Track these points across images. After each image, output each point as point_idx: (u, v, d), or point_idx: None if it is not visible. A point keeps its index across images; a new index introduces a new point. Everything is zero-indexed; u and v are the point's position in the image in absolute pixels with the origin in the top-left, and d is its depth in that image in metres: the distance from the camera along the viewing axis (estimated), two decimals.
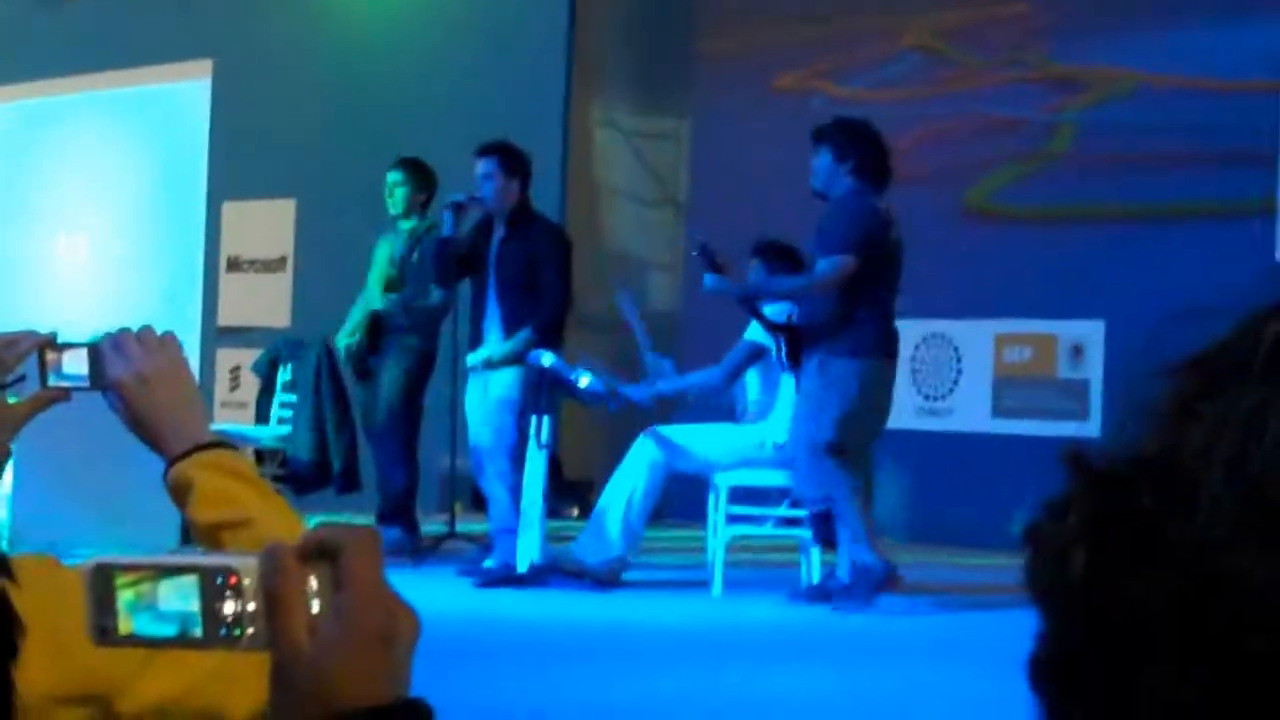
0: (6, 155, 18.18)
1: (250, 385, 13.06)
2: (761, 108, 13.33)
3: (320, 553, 1.14)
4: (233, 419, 13.86)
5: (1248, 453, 0.80)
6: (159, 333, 2.35)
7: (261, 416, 12.05)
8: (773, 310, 9.02)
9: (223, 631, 1.13)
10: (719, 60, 13.78)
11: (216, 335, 15.89)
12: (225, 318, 15.97)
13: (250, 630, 1.13)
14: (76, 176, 17.42)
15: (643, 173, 14.45)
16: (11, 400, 2.43)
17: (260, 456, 11.91)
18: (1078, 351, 11.65)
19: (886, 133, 11.80)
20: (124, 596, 1.14)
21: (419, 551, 10.45)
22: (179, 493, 2.20)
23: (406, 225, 11.04)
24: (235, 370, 15.30)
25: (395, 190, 11.04)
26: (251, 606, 1.13)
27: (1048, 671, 0.86)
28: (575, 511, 12.73)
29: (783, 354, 8.91)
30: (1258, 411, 0.81)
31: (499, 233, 10.06)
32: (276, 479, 11.51)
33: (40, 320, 16.32)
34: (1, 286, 17.55)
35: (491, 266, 10.02)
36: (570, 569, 9.36)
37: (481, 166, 10.07)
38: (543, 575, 9.33)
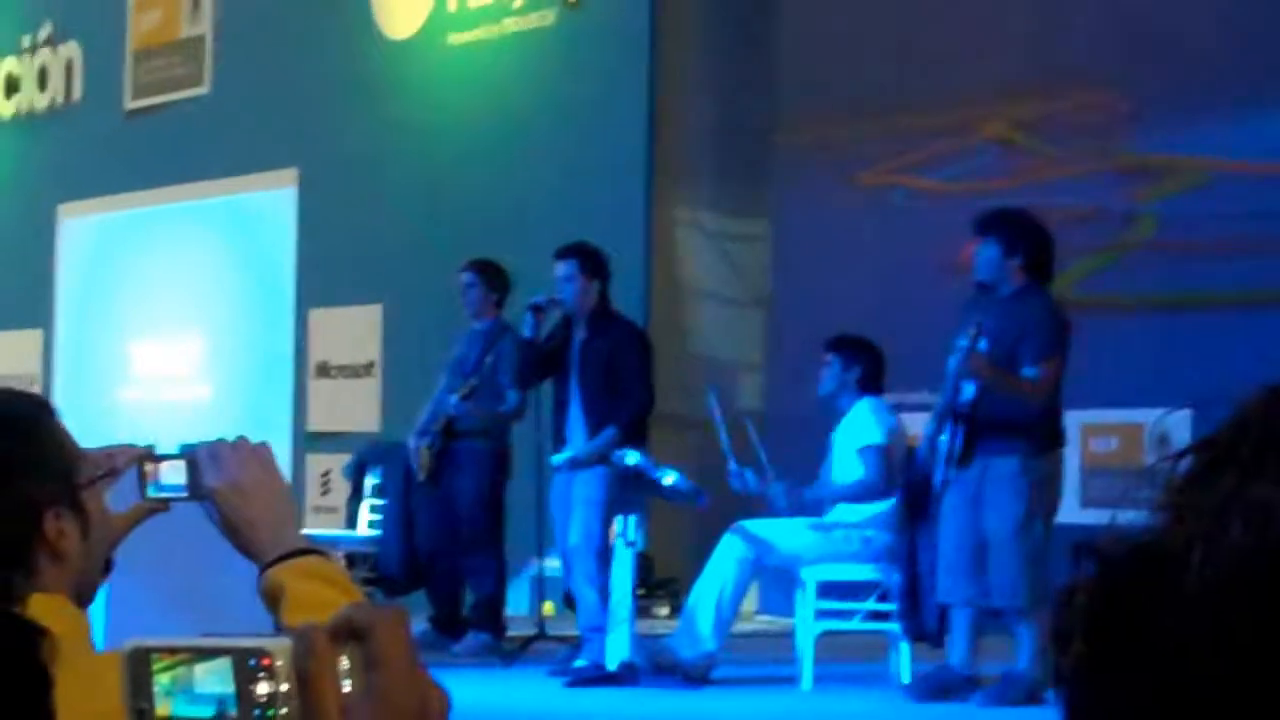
0: (97, 267, 18.41)
1: (341, 490, 13.13)
2: (843, 203, 13.37)
3: (351, 633, 1.17)
4: (324, 524, 13.93)
5: (1225, 541, 0.83)
6: (252, 442, 2.41)
7: (351, 521, 12.11)
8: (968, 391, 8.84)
9: (256, 712, 1.15)
10: (800, 157, 13.83)
11: (306, 440, 16.00)
12: (315, 423, 16.08)
13: (284, 711, 1.15)
14: (166, 287, 17.60)
15: (726, 271, 14.49)
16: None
17: (351, 561, 11.98)
18: (1164, 441, 11.57)
19: (966, 225, 11.81)
20: (161, 679, 1.16)
21: (508, 654, 10.46)
22: (272, 598, 2.25)
23: (480, 327, 11.11)
24: (326, 475, 15.40)
25: (468, 291, 11.12)
26: (285, 687, 1.15)
27: None
28: (666, 610, 12.72)
29: (957, 446, 8.75)
30: (1244, 498, 0.84)
31: (580, 334, 10.12)
32: (367, 582, 11.57)
33: (136, 431, 16.56)
34: (96, 398, 17.73)
35: (574, 367, 10.08)
36: (663, 662, 9.35)
37: (561, 269, 10.15)
38: (633, 673, 9.33)
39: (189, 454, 2.44)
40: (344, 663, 1.17)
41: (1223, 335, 11.22)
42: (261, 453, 2.38)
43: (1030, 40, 12.62)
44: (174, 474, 2.46)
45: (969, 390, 8.74)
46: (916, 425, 10.34)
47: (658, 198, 14.30)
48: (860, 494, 9.48)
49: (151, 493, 2.48)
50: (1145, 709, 0.82)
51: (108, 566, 2.48)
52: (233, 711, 1.16)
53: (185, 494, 2.44)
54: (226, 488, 2.34)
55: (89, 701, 1.80)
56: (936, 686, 8.78)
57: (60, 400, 14.37)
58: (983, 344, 8.69)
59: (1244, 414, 0.87)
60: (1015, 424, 8.59)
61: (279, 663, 1.16)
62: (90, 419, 16.73)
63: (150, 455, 2.50)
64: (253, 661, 1.16)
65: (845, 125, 13.49)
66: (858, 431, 9.60)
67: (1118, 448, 11.83)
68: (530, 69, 14.95)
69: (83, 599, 2.42)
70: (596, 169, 14.12)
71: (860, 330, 9.93)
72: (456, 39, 15.60)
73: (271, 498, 2.33)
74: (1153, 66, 11.95)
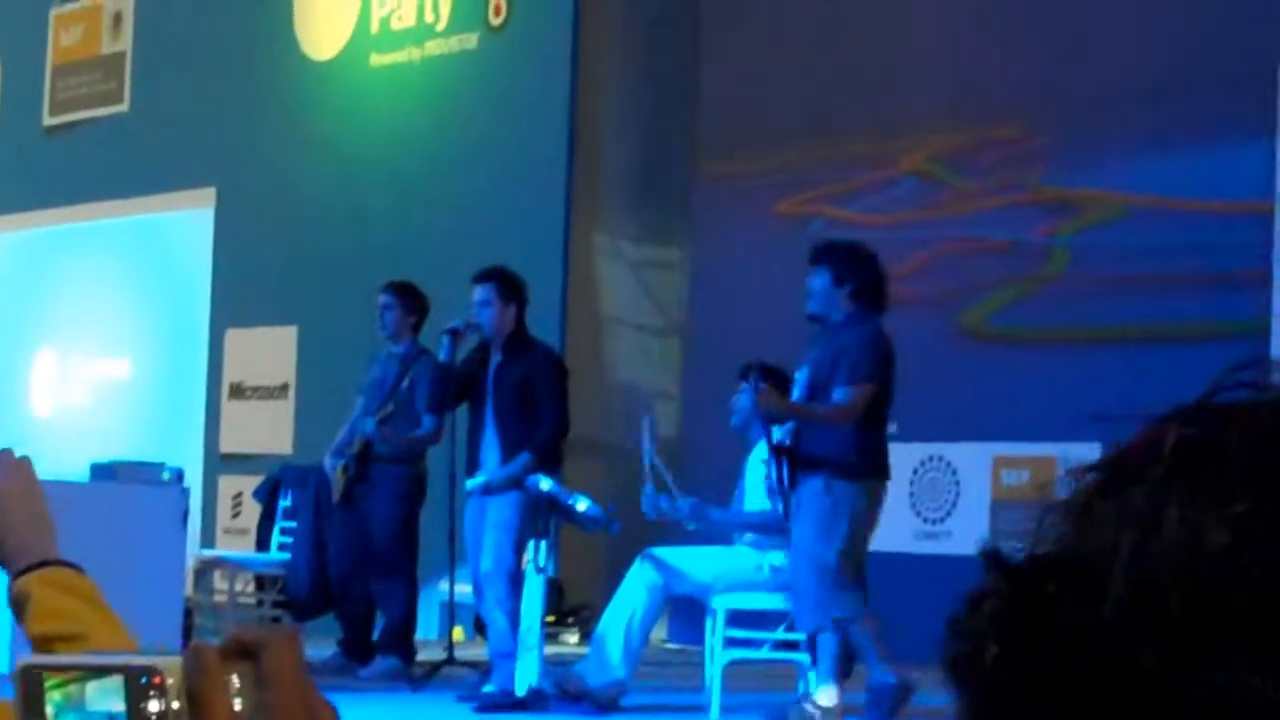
0: (10, 285, 18.29)
1: (252, 512, 13.08)
2: (761, 233, 13.41)
3: (242, 652, 1.18)
4: (235, 546, 13.88)
5: (1145, 549, 0.85)
6: (15, 455, 2.46)
7: (262, 543, 12.06)
8: (778, 433, 9.00)
9: None
10: (719, 186, 13.88)
11: (220, 462, 15.93)
12: (228, 445, 16.01)
13: None
14: (79, 305, 17.51)
15: (644, 299, 14.51)
16: None
17: (261, 583, 11.93)
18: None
19: (885, 256, 11.85)
20: (52, 698, 1.16)
21: (417, 678, 10.43)
22: (18, 606, 2.30)
23: (397, 349, 11.10)
24: (238, 497, 15.33)
25: (385, 313, 11.11)
26: (176, 705, 1.15)
27: None
28: (575, 637, 12.72)
29: (783, 475, 8.86)
30: (1156, 511, 0.85)
31: (495, 358, 10.12)
32: (277, 605, 11.52)
33: (45, 448, 16.30)
34: (6, 413, 17.59)
35: (489, 392, 10.07)
36: (571, 690, 9.34)
37: (478, 293, 10.15)
38: (542, 699, 9.31)
39: None
40: (235, 681, 1.17)
41: (1136, 368, 11.30)
42: (23, 465, 2.43)
43: (948, 75, 12.70)
44: None
45: (783, 426, 8.89)
46: None
47: (577, 224, 14.31)
48: (766, 524, 9.51)
49: None
50: (1064, 690, 0.85)
51: None
52: None
53: None
54: None
55: None
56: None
57: None
58: (802, 373, 8.79)
59: (1155, 433, 0.90)
60: (822, 452, 8.70)
61: (170, 681, 1.15)
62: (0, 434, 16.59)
63: None
64: (144, 679, 1.16)
65: (764, 156, 13.54)
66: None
67: (1029, 480, 11.89)
68: (452, 92, 14.95)
69: None
70: (516, 194, 14.12)
71: (776, 360, 9.95)
72: (379, 60, 15.58)
73: (28, 509, 2.39)
74: (1069, 102, 12.05)
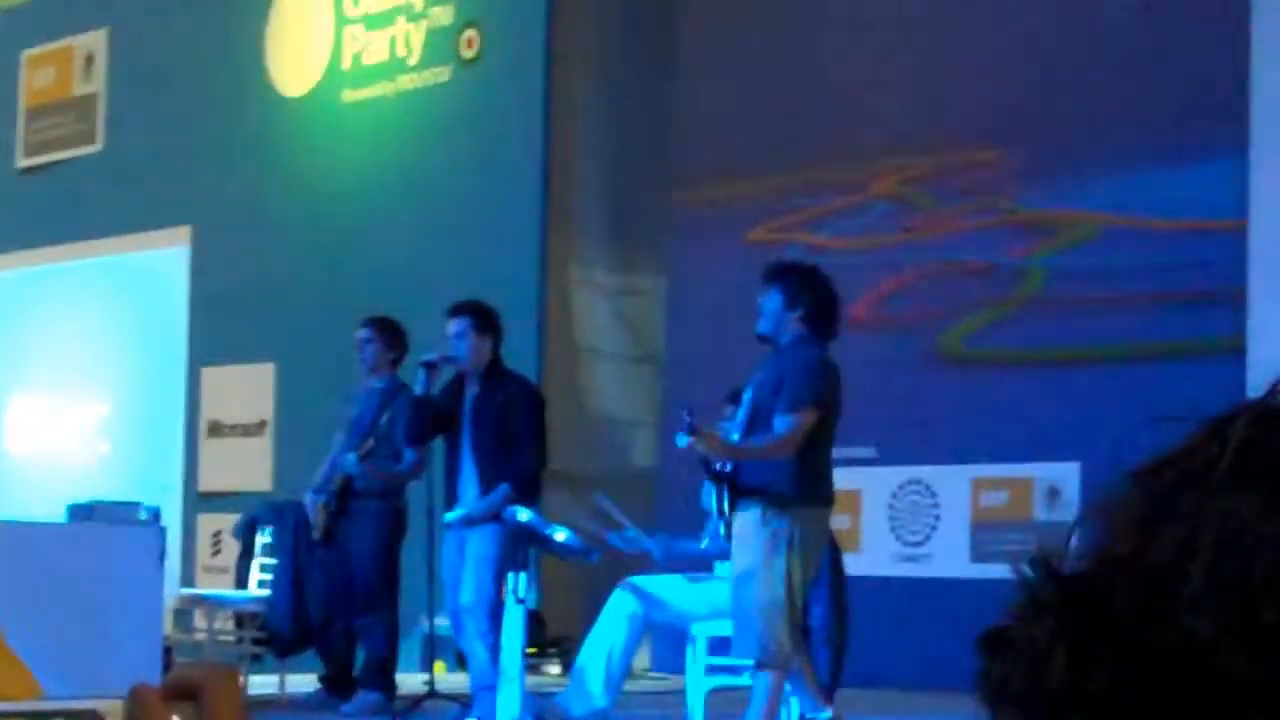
0: None
1: (232, 550, 13.04)
2: (736, 260, 13.41)
3: (183, 692, 1.18)
4: (214, 584, 13.83)
5: (1227, 554, 0.83)
6: None
7: (242, 581, 12.02)
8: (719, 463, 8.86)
9: None
10: (693, 214, 13.89)
11: (198, 500, 15.89)
12: (206, 483, 15.98)
13: None
14: (56, 345, 17.48)
15: (620, 330, 14.51)
16: None
17: (240, 620, 11.88)
18: (1054, 494, 11.67)
19: (859, 280, 11.86)
20: None
21: (399, 713, 10.40)
22: None
23: (377, 384, 11.09)
24: (217, 535, 15.30)
25: (365, 347, 11.10)
26: None
27: None
28: (557, 668, 12.69)
29: (723, 502, 8.73)
30: (1232, 513, 0.84)
31: (472, 390, 10.11)
32: (257, 642, 11.48)
33: (23, 489, 16.28)
34: None
35: (466, 424, 10.06)
36: (553, 719, 9.32)
37: (453, 326, 10.14)
38: None
39: None
40: None
41: (1111, 389, 11.32)
42: None
43: (920, 98, 12.73)
44: None
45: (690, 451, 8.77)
46: None
47: (552, 255, 14.32)
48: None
49: None
50: (1156, 710, 0.83)
51: None
52: None
53: None
54: None
55: None
56: None
57: None
58: (747, 393, 8.69)
59: (1210, 436, 0.87)
60: (760, 481, 8.51)
61: None
62: None
63: None
64: None
65: (738, 183, 13.56)
66: None
67: (1007, 501, 11.90)
68: (425, 126, 14.96)
69: None
70: (491, 226, 14.13)
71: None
72: (351, 95, 15.59)
73: None
74: (1041, 123, 12.08)
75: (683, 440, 8.55)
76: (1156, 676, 0.83)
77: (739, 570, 8.59)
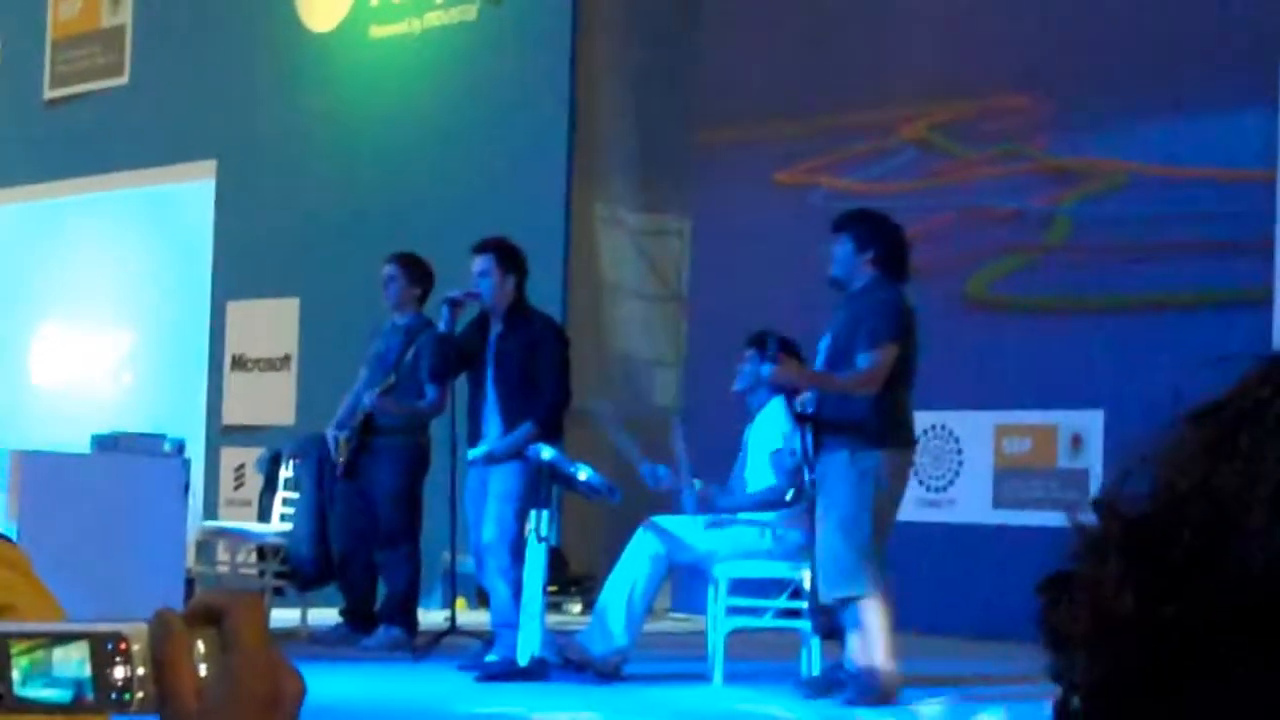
0: (12, 258, 18.28)
1: (254, 483, 13.09)
2: (762, 202, 13.41)
3: (207, 617, 1.18)
4: (237, 517, 13.88)
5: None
6: None
7: (264, 515, 12.07)
8: (800, 403, 8.90)
9: (113, 696, 1.16)
10: (719, 156, 13.86)
11: (221, 434, 15.94)
12: (230, 416, 16.02)
13: (140, 695, 1.16)
14: (81, 278, 17.51)
15: (645, 269, 14.50)
16: None
17: (263, 553, 11.93)
18: (1077, 441, 11.66)
19: None
20: (19, 664, 1.17)
21: (420, 648, 10.44)
22: None
23: (401, 321, 11.09)
24: (240, 469, 15.34)
25: (390, 284, 11.11)
26: (141, 671, 1.16)
27: (1102, 708, 0.89)
28: (579, 607, 12.73)
29: (807, 444, 8.80)
30: None
31: (496, 329, 10.12)
32: (279, 575, 11.53)
33: (47, 419, 16.34)
34: (8, 387, 17.61)
35: (489, 362, 10.07)
36: (574, 657, 9.35)
37: (477, 264, 10.15)
38: (544, 668, 9.32)
39: None
40: (200, 647, 1.17)
41: (1136, 337, 11.31)
42: None
43: (949, 43, 12.68)
44: None
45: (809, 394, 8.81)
46: None
47: (577, 194, 14.30)
48: (770, 501, 9.51)
49: None
50: (1228, 628, 0.84)
51: None
52: (89, 695, 1.17)
53: None
54: None
55: None
56: (825, 684, 8.82)
57: None
58: (824, 343, 8.77)
59: (1270, 371, 0.89)
60: (846, 420, 8.62)
61: (135, 647, 1.16)
62: (0, 407, 16.60)
63: None
64: (109, 645, 1.17)
65: (764, 125, 13.53)
66: (770, 433, 9.61)
67: (1030, 449, 11.90)
68: (451, 64, 14.93)
69: None
70: (516, 164, 14.12)
71: (777, 328, 9.93)
72: (378, 32, 15.56)
73: None
74: (1071, 70, 12.03)
75: (766, 369, 8.70)
76: (1224, 608, 0.84)
77: (828, 510, 8.65)
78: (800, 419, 8.79)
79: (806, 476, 8.84)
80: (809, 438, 8.74)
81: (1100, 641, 0.88)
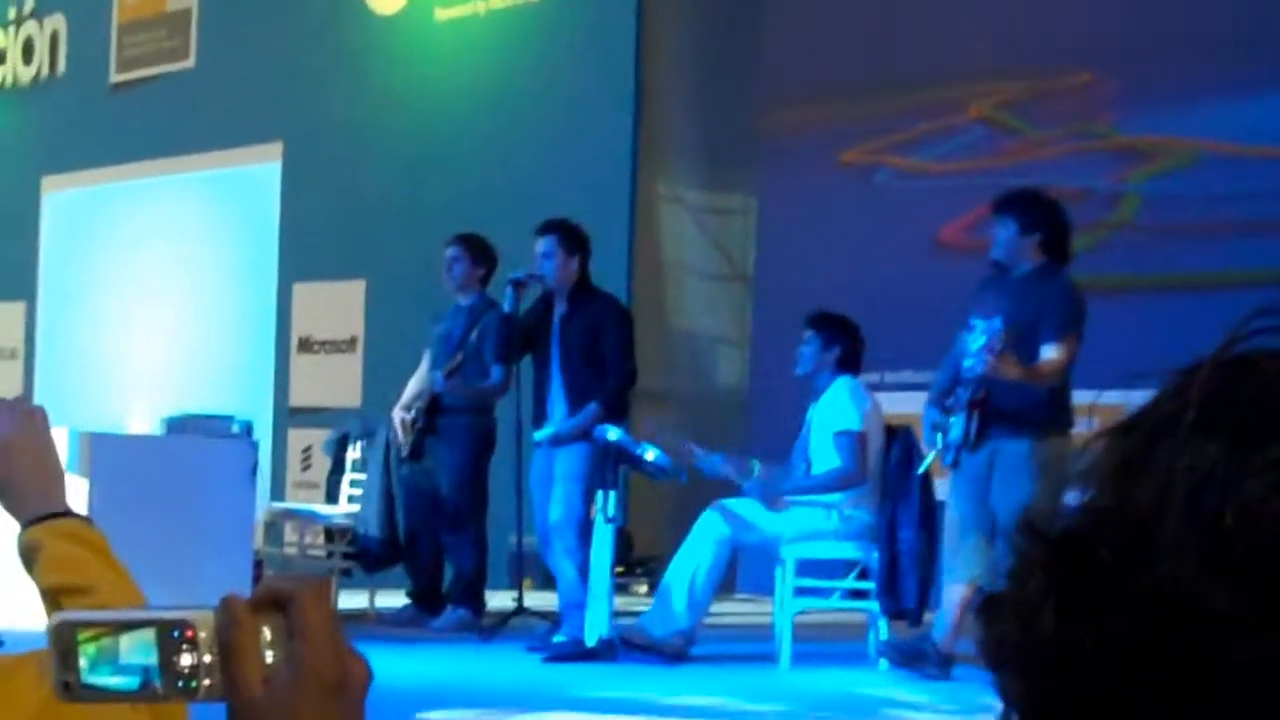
0: (81, 240, 18.38)
1: (322, 465, 13.13)
2: (827, 181, 13.37)
3: (273, 604, 1.18)
4: (304, 499, 13.94)
5: (1199, 498, 0.85)
6: (28, 404, 2.42)
7: (332, 496, 12.10)
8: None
9: (180, 683, 1.17)
10: (785, 136, 13.82)
11: (289, 416, 16.00)
12: (297, 398, 16.07)
13: (207, 681, 1.17)
14: (148, 260, 17.59)
15: (710, 249, 14.48)
16: None
17: (330, 535, 11.97)
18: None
19: (952, 204, 11.76)
20: (86, 651, 1.17)
21: (487, 629, 10.47)
22: (28, 557, 2.27)
23: (465, 302, 11.10)
24: (307, 450, 15.40)
25: (454, 265, 11.11)
26: (208, 658, 1.17)
27: None
28: (645, 587, 12.73)
29: (971, 429, 8.56)
30: (1201, 459, 0.86)
31: (560, 309, 10.13)
32: (347, 557, 11.56)
33: (116, 402, 16.44)
34: (78, 369, 17.71)
35: (554, 343, 10.08)
36: (638, 642, 9.35)
37: (541, 245, 10.16)
38: (611, 649, 9.33)
39: None
40: (266, 633, 1.17)
41: (1205, 317, 11.18)
42: (35, 414, 2.38)
43: (1017, 20, 12.61)
44: None
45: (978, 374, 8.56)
46: (896, 404, 10.35)
47: (642, 174, 14.29)
48: (835, 484, 9.44)
49: None
50: (1140, 647, 0.85)
51: None
52: (157, 682, 1.17)
53: None
54: None
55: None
56: (910, 653, 8.78)
57: (42, 372, 14.38)
58: (985, 323, 8.44)
59: (1183, 383, 0.90)
60: (1025, 408, 8.43)
61: (202, 634, 1.17)
62: (71, 390, 16.69)
63: None
64: (176, 633, 1.17)
65: (830, 104, 13.48)
66: (834, 413, 9.54)
67: (1096, 428, 11.82)
68: (516, 46, 14.93)
69: None
70: (581, 145, 14.11)
71: (842, 309, 9.89)
72: (443, 14, 15.57)
73: (39, 459, 2.35)
74: (1139, 47, 11.95)
75: (982, 360, 8.27)
76: (1143, 622, 0.85)
77: (1008, 501, 8.34)
78: (972, 405, 8.49)
79: (949, 458, 8.60)
80: (974, 425, 8.53)
81: (1026, 662, 0.89)
